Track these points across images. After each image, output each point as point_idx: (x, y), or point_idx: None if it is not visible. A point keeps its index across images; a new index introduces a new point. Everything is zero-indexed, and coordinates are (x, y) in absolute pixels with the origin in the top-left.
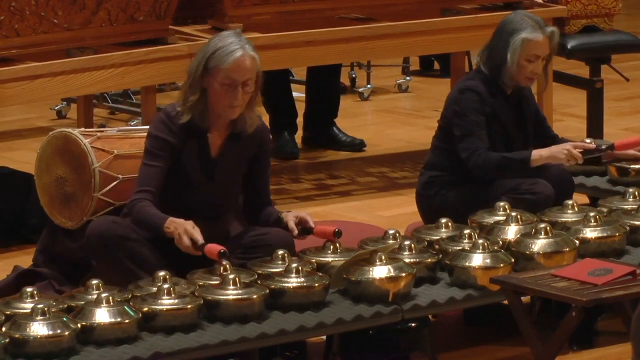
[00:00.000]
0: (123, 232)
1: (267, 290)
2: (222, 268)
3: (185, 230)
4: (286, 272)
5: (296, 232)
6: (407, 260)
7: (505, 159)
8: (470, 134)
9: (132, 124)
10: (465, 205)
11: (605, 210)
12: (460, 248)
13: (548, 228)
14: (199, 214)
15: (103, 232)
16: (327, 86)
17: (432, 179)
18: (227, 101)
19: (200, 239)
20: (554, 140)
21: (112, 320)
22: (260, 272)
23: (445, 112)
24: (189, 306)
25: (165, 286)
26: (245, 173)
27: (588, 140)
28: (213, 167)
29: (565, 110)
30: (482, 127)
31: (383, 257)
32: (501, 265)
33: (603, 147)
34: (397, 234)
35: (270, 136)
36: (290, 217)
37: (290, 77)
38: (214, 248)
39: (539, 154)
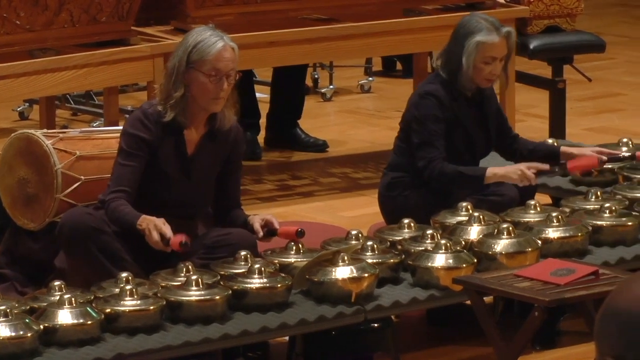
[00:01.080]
0: (96, 224)
1: (230, 291)
2: (184, 268)
3: (155, 225)
4: (249, 273)
5: (261, 234)
6: (369, 261)
7: (460, 175)
8: (428, 143)
9: (95, 125)
10: (429, 206)
11: (567, 210)
12: (422, 248)
13: (510, 228)
14: (173, 212)
15: (76, 223)
16: (292, 87)
17: (395, 180)
18: (213, 93)
19: (168, 233)
20: (515, 140)
21: (75, 321)
22: (222, 272)
23: (405, 115)
24: (151, 307)
25: (128, 287)
26: (217, 173)
27: (550, 141)
28: (189, 165)
29: (528, 111)
30: (441, 135)
31: (346, 258)
32: (464, 265)
33: (556, 168)
34: (360, 235)
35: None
36: (256, 219)
37: (253, 78)
38: (176, 239)
39: (493, 173)
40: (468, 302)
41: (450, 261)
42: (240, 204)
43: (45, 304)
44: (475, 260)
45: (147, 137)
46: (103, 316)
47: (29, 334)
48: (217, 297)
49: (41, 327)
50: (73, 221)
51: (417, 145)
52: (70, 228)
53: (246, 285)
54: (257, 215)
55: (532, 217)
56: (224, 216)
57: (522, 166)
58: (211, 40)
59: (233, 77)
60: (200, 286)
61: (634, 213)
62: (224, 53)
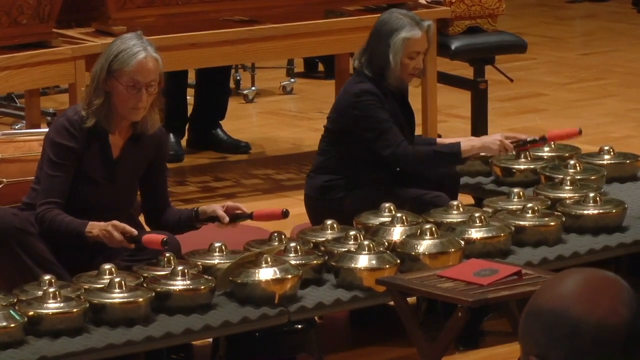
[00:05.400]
0: (21, 225)
1: (153, 293)
2: (107, 270)
3: (113, 226)
4: (172, 275)
5: (227, 219)
6: (293, 262)
7: (436, 154)
8: (384, 131)
9: (16, 127)
10: (365, 208)
11: (490, 210)
12: (345, 249)
13: (433, 229)
14: (98, 215)
15: (1, 223)
16: (217, 89)
17: (328, 183)
18: (132, 103)
19: (133, 231)
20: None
21: None
22: (146, 275)
23: (341, 120)
24: (74, 310)
25: (51, 290)
26: (144, 176)
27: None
28: (113, 168)
29: (450, 112)
30: (391, 122)
31: (269, 259)
32: (387, 266)
33: (536, 138)
34: (283, 236)
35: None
36: (216, 207)
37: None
38: (154, 238)
39: (470, 145)
40: (391, 302)
41: (374, 262)
42: (170, 202)
43: None
44: (398, 261)
45: (74, 146)
46: (26, 319)
47: None
48: (140, 299)
49: None
50: None
51: (373, 139)
52: None
53: (169, 287)
54: (210, 205)
55: (454, 217)
56: (157, 217)
57: (499, 136)
58: (133, 50)
59: (154, 87)
60: (124, 288)
61: (556, 213)
62: (144, 64)
